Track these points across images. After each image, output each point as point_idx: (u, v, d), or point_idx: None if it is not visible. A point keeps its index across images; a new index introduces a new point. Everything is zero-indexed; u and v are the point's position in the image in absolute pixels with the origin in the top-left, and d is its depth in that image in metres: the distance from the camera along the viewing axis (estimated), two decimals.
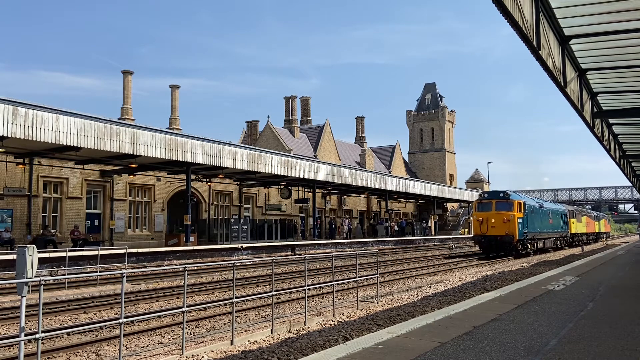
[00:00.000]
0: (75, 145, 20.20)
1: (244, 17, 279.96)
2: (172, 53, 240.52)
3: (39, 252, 7.38)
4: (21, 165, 25.44)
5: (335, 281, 12.35)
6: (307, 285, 11.52)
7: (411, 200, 61.09)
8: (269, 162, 30.24)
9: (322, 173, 35.27)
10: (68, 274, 16.95)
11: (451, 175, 78.12)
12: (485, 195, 32.10)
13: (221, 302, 11.75)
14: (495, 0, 7.56)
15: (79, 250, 21.80)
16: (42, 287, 6.36)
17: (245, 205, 40.60)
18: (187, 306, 8.72)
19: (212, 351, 8.39)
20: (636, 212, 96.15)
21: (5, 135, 18.07)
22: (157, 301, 13.69)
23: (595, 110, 15.95)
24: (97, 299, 13.57)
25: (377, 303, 13.11)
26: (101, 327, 9.60)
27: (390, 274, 20.59)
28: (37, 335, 6.01)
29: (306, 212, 45.36)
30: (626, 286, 12.80)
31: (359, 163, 62.39)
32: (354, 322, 10.36)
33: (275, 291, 10.72)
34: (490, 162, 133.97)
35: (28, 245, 6.29)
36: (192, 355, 8.10)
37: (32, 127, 18.54)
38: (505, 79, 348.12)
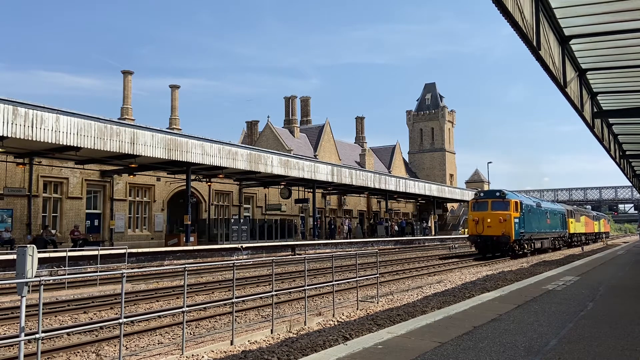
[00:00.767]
0: (75, 145, 20.20)
1: (244, 17, 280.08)
2: (172, 53, 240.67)
3: (39, 252, 7.38)
4: (21, 165, 25.44)
5: (335, 281, 12.35)
6: (307, 285, 11.52)
7: (411, 200, 61.10)
8: (269, 162, 30.24)
9: (322, 173, 35.28)
10: (68, 274, 16.95)
11: (451, 175, 78.14)
12: (481, 194, 31.49)
13: (221, 302, 11.75)
14: (495, 0, 7.56)
15: (79, 250, 21.80)
16: (42, 287, 6.36)
17: (245, 205, 40.61)
18: (187, 306, 8.72)
19: (212, 351, 8.39)
20: (636, 212, 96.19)
21: (5, 135, 18.06)
22: (157, 301, 13.69)
23: (595, 110, 15.96)
24: (97, 299, 13.57)
25: (377, 303, 13.11)
26: (101, 327, 9.60)
27: (390, 274, 20.59)
28: (37, 335, 6.01)
29: (306, 212, 45.36)
30: (626, 286, 12.80)
31: (359, 163, 62.39)
32: (354, 322, 10.36)
33: (275, 291, 10.72)
34: (490, 162, 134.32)
35: (28, 245, 6.29)
36: (192, 355, 8.10)
37: (32, 127, 18.54)
38: (505, 79, 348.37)
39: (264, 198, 42.09)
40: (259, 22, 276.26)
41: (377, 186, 42.48)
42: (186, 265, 9.07)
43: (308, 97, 66.25)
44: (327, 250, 33.90)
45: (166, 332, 9.82)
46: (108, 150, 21.64)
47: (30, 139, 18.67)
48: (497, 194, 29.70)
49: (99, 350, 8.51)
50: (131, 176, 30.07)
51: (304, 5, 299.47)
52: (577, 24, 10.47)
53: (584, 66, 12.94)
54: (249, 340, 9.08)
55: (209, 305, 11.72)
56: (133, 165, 26.55)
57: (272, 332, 9.68)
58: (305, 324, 10.38)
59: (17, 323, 9.37)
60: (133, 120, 38.16)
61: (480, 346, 6.01)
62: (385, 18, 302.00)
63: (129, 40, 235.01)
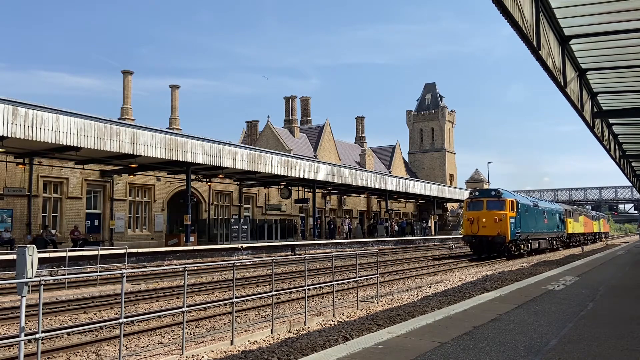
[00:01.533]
0: (75, 145, 20.20)
1: (244, 17, 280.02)
2: (172, 53, 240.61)
3: (39, 252, 7.37)
4: (21, 165, 25.44)
5: (335, 281, 12.35)
6: (307, 285, 11.51)
7: (411, 200, 61.11)
8: (269, 162, 30.25)
9: (322, 173, 35.28)
10: (68, 274, 16.95)
11: (451, 175, 78.13)
12: (476, 193, 30.41)
13: (221, 302, 11.75)
14: (495, 0, 7.56)
15: (79, 250, 21.81)
16: (42, 287, 6.36)
17: (245, 205, 40.60)
18: (187, 306, 8.72)
19: (212, 351, 8.38)
20: (636, 212, 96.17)
21: (5, 135, 18.07)
22: (157, 301, 13.69)
23: (595, 110, 15.96)
24: (97, 299, 13.57)
25: (377, 303, 13.11)
26: (101, 327, 9.60)
27: (390, 274, 20.59)
28: (37, 335, 6.00)
29: (306, 212, 45.36)
30: (626, 286, 12.80)
31: (359, 163, 62.38)
32: (354, 322, 10.36)
33: (275, 291, 10.72)
34: (490, 162, 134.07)
35: (28, 245, 6.29)
36: (192, 355, 8.10)
37: (32, 127, 18.54)
38: (505, 79, 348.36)
39: (264, 198, 42.09)
40: (259, 22, 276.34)
41: (377, 186, 42.48)
42: (186, 265, 9.07)
43: (308, 97, 66.25)
44: (327, 250, 33.90)
45: (166, 332, 9.82)
46: (108, 150, 21.64)
47: (30, 139, 18.68)
48: (493, 193, 29.00)
49: (99, 350, 8.50)
50: (131, 176, 30.07)
51: (304, 5, 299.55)
52: (577, 24, 10.47)
53: (584, 66, 12.93)
54: (249, 340, 9.08)
55: (209, 305, 11.72)
56: (133, 165, 26.56)
57: (272, 332, 9.68)
58: (305, 324, 10.38)
59: (17, 323, 9.37)
60: (133, 120, 38.16)
61: (480, 346, 6.00)
62: (385, 18, 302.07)
63: (129, 40, 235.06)
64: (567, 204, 62.83)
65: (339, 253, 27.99)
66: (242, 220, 32.93)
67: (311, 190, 38.87)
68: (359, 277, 13.45)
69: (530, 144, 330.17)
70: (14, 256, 9.14)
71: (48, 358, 8.01)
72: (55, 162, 26.92)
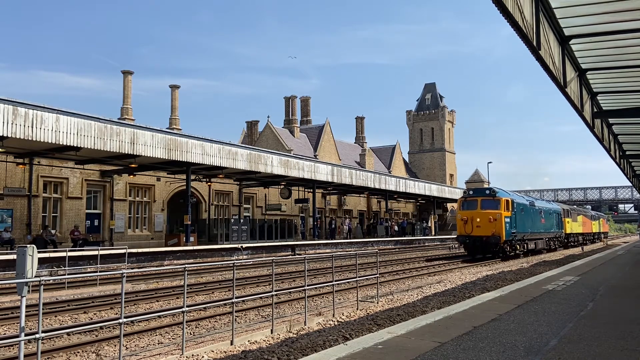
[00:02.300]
0: (75, 145, 20.21)
1: (244, 17, 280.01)
2: (172, 53, 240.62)
3: (39, 252, 7.38)
4: (21, 165, 25.44)
5: (335, 281, 12.35)
6: (307, 285, 11.52)
7: (411, 200, 61.11)
8: (269, 162, 30.25)
9: (322, 173, 35.28)
10: (68, 274, 16.96)
11: (451, 175, 78.14)
12: (471, 192, 29.40)
13: (221, 302, 11.75)
14: (495, 0, 7.56)
15: (79, 250, 21.81)
16: (42, 287, 6.36)
17: (245, 205, 40.61)
18: (187, 306, 8.72)
19: (212, 351, 8.39)
20: (636, 212, 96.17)
21: (5, 135, 18.07)
22: (157, 301, 13.69)
23: (595, 110, 15.96)
24: (97, 299, 13.57)
25: (377, 303, 13.11)
26: (101, 327, 9.60)
27: (390, 274, 20.59)
28: (37, 335, 6.01)
29: (306, 212, 45.37)
30: (626, 286, 12.80)
31: (359, 163, 62.39)
32: (354, 322, 10.36)
33: (275, 291, 10.72)
34: (490, 162, 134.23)
35: (28, 245, 6.29)
36: (192, 355, 8.10)
37: (32, 127, 18.55)
38: (505, 79, 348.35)
39: (264, 198, 42.09)
40: (259, 22, 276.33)
41: (377, 186, 42.49)
42: (186, 265, 9.08)
43: (308, 97, 66.26)
44: (327, 250, 33.91)
45: (166, 332, 9.82)
46: (108, 150, 21.65)
47: (30, 139, 18.68)
48: (487, 191, 28.23)
49: (99, 350, 8.51)
50: (131, 176, 30.07)
51: (304, 5, 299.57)
52: (577, 24, 10.47)
53: (584, 66, 12.94)
54: (249, 340, 9.08)
55: (209, 305, 11.72)
56: (133, 165, 26.56)
57: (272, 332, 9.68)
58: (305, 324, 10.38)
59: (17, 323, 9.37)
60: (133, 120, 38.17)
61: (480, 346, 6.00)
62: (385, 18, 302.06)
63: (129, 40, 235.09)
64: (567, 204, 62.72)
65: (339, 253, 27.99)
66: (242, 220, 32.93)
67: (311, 190, 38.88)
68: (359, 277, 13.46)
69: (530, 144, 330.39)
70: (14, 256, 9.14)
71: (48, 358, 8.01)
72: (55, 162, 26.92)
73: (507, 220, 27.29)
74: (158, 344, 9.05)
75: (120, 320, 7.07)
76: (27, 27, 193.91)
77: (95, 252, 19.45)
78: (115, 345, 8.64)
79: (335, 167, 37.55)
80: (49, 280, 15.21)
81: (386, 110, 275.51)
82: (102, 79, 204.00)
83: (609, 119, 18.34)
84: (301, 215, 45.79)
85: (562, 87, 11.59)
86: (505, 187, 44.00)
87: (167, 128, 35.96)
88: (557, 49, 11.04)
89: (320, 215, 47.97)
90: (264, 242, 32.09)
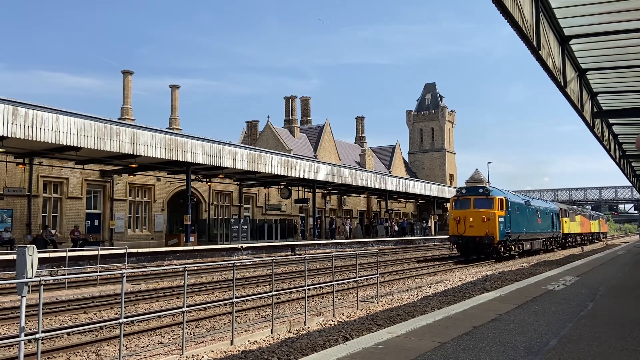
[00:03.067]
0: (75, 145, 20.21)
1: (244, 17, 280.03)
2: (172, 53, 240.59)
3: (39, 252, 7.38)
4: (21, 165, 25.45)
5: (335, 281, 12.35)
6: (307, 285, 11.52)
7: (411, 200, 61.12)
8: (269, 162, 30.25)
9: (322, 173, 35.28)
10: (68, 274, 16.96)
11: (451, 175, 78.15)
12: (463, 191, 28.35)
13: (221, 302, 11.75)
14: (495, 0, 7.57)
15: (79, 250, 21.81)
16: (42, 287, 6.36)
17: (245, 205, 40.61)
18: (187, 306, 8.72)
19: (212, 351, 8.39)
20: (636, 212, 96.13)
21: (5, 135, 18.08)
22: (157, 301, 13.69)
23: (595, 110, 15.96)
24: (97, 299, 13.57)
25: (377, 303, 13.11)
26: (101, 327, 9.60)
27: (390, 274, 20.59)
28: (37, 335, 6.00)
29: (306, 212, 45.37)
30: (626, 286, 12.80)
31: (359, 163, 62.40)
32: (354, 322, 10.36)
33: (275, 291, 10.72)
34: (490, 162, 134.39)
35: (28, 245, 6.29)
36: (192, 355, 8.10)
37: (32, 127, 18.55)
38: (505, 79, 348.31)
39: (264, 198, 42.09)
40: (259, 22, 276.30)
41: (377, 186, 42.49)
42: (186, 265, 9.08)
43: (308, 97, 66.28)
44: (327, 250, 33.91)
45: (166, 332, 9.82)
46: (108, 150, 21.65)
47: (30, 139, 18.68)
48: (481, 190, 27.30)
49: (99, 350, 8.50)
50: (131, 176, 30.07)
51: (304, 5, 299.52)
52: (577, 24, 10.47)
53: (584, 66, 12.94)
54: (249, 340, 9.08)
55: (209, 305, 11.72)
56: (133, 165, 26.56)
57: (272, 332, 9.68)
58: (305, 324, 10.38)
59: (17, 323, 9.37)
60: (133, 120, 38.17)
61: (480, 346, 6.00)
62: (385, 18, 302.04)
63: (129, 40, 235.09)
64: (567, 204, 62.61)
65: (339, 253, 27.99)
66: (242, 220, 32.94)
67: (311, 190, 38.88)
68: (359, 277, 13.46)
69: (530, 144, 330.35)
70: (14, 256, 9.13)
71: (48, 358, 8.01)
72: (55, 162, 26.92)
73: (501, 220, 26.47)
74: (158, 344, 9.05)
75: (120, 320, 7.07)
76: (27, 27, 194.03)
77: (95, 252, 19.44)
78: (115, 345, 8.64)
79: (335, 167, 37.56)
80: (49, 280, 15.21)
81: (386, 110, 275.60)
82: (102, 79, 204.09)
83: (609, 119, 18.34)
84: (301, 215, 45.79)
85: (562, 87, 11.59)
86: (505, 187, 43.90)
87: (167, 128, 35.96)
88: (557, 49, 11.04)
89: (320, 215, 47.97)
90: (264, 242, 32.09)
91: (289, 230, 36.85)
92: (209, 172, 31.05)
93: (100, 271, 17.96)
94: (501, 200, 26.80)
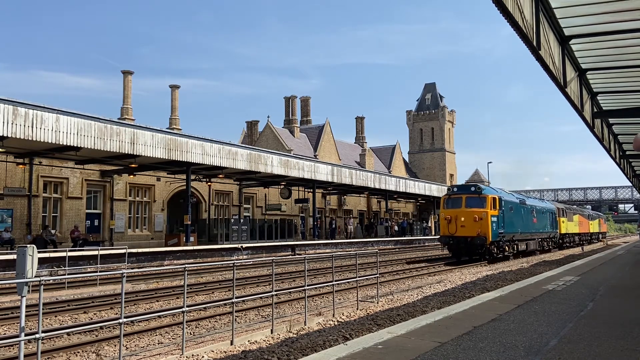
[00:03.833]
0: (75, 145, 20.21)
1: (244, 17, 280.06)
2: (172, 53, 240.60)
3: (39, 252, 7.37)
4: (21, 165, 25.44)
5: (335, 281, 12.35)
6: (307, 285, 11.52)
7: (411, 200, 61.10)
8: (269, 162, 30.25)
9: (322, 173, 35.28)
10: (68, 274, 16.95)
11: (451, 175, 78.13)
12: (455, 189, 27.36)
13: (221, 302, 11.75)
14: (495, 0, 7.57)
15: (79, 250, 21.80)
16: (42, 287, 6.36)
17: (245, 205, 40.60)
18: (187, 306, 8.72)
19: (212, 351, 8.38)
20: (636, 212, 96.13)
21: (5, 135, 18.07)
22: (157, 301, 13.69)
23: (595, 110, 15.96)
24: (97, 299, 13.57)
25: (377, 303, 13.11)
26: (101, 327, 9.60)
27: (390, 274, 20.59)
28: (37, 335, 6.00)
29: (306, 212, 45.36)
30: (626, 286, 12.80)
31: (359, 163, 62.39)
32: (354, 322, 10.36)
33: (275, 291, 10.72)
34: (490, 162, 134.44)
35: (28, 245, 6.28)
36: (192, 355, 8.10)
37: (32, 127, 18.55)
38: (505, 79, 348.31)
39: (264, 198, 42.08)
40: (260, 22, 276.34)
41: (377, 186, 42.48)
42: (186, 265, 9.07)
43: (308, 97, 66.25)
44: (327, 250, 33.90)
45: (166, 332, 9.82)
46: (108, 150, 21.65)
47: (30, 139, 18.68)
48: (472, 188, 26.16)
49: (99, 350, 8.50)
50: (131, 176, 30.07)
51: (304, 5, 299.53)
52: (577, 24, 10.47)
53: (584, 66, 12.94)
54: (249, 340, 9.08)
55: (209, 305, 11.72)
56: (133, 165, 26.55)
57: (272, 332, 9.68)
58: (305, 324, 10.38)
59: (17, 323, 9.37)
60: (133, 120, 38.15)
61: (480, 346, 6.00)
62: (385, 18, 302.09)
63: (129, 40, 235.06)
64: (567, 203, 62.48)
65: (339, 253, 27.97)
66: (242, 220, 32.93)
67: (311, 190, 38.87)
68: (359, 277, 13.45)
69: (530, 144, 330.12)
70: (14, 256, 9.13)
71: (48, 358, 8.01)
72: (55, 162, 26.92)
73: (494, 219, 25.44)
74: (158, 344, 9.05)
75: (120, 320, 7.06)
76: (27, 27, 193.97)
77: (95, 252, 19.44)
78: (115, 345, 8.64)
79: (335, 167, 37.55)
80: (49, 280, 15.21)
81: (386, 110, 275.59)
82: (102, 79, 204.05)
83: (609, 119, 18.34)
84: (301, 215, 45.79)
85: (562, 87, 11.59)
86: (505, 187, 43.68)
87: (167, 128, 35.94)
88: (557, 49, 11.04)
89: (320, 215, 47.96)
90: (264, 242, 32.08)
91: (289, 230, 36.84)
92: (209, 172, 31.04)
93: (100, 271, 17.95)
94: (494, 199, 25.85)
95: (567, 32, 10.89)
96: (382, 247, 40.03)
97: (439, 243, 29.92)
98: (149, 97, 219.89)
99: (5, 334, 9.63)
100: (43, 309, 6.69)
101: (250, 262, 23.93)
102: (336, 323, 10.51)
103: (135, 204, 32.55)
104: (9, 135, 18.15)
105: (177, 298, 14.05)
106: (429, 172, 76.41)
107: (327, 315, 11.52)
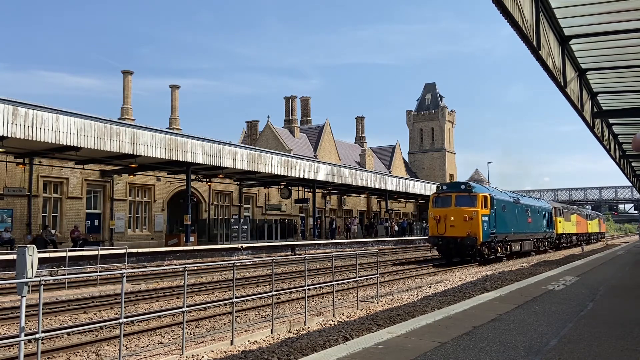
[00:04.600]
0: (75, 145, 20.21)
1: (244, 17, 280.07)
2: (172, 53, 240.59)
3: (39, 252, 7.37)
4: (21, 165, 25.44)
5: (335, 281, 12.35)
6: (307, 285, 11.51)
7: (411, 200, 61.09)
8: (269, 162, 30.25)
9: (322, 173, 35.28)
10: (68, 274, 16.95)
11: (451, 175, 78.16)
12: (444, 187, 26.12)
13: (221, 302, 11.75)
14: (495, 0, 7.57)
15: (79, 250, 21.80)
16: (42, 287, 6.36)
17: (245, 205, 40.60)
18: (187, 306, 8.72)
19: (212, 351, 8.38)
20: (636, 212, 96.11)
21: (5, 135, 18.07)
22: (157, 301, 13.69)
23: (595, 110, 15.96)
24: (97, 299, 13.57)
25: (377, 303, 13.11)
26: (101, 327, 9.60)
27: (390, 274, 20.59)
28: (37, 335, 6.00)
29: (306, 212, 45.36)
30: (626, 286, 12.80)
31: (359, 163, 62.39)
32: (354, 322, 10.36)
33: (275, 291, 10.72)
34: (490, 162, 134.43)
35: (28, 245, 6.29)
36: (192, 355, 8.10)
37: (32, 127, 18.55)
38: (505, 79, 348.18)
39: (264, 198, 42.09)
40: (260, 22, 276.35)
41: (377, 186, 42.48)
42: (186, 265, 9.07)
43: (308, 97, 66.29)
44: (327, 250, 33.90)
45: (166, 332, 9.82)
46: (108, 150, 21.65)
47: (30, 139, 18.68)
48: (463, 186, 24.97)
49: (99, 350, 8.50)
50: (131, 176, 30.06)
51: (304, 5, 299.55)
52: (577, 24, 10.47)
53: (584, 66, 12.94)
54: (249, 340, 9.08)
55: (209, 305, 11.72)
56: (133, 165, 26.55)
57: (272, 332, 9.68)
58: (305, 324, 10.38)
59: (17, 323, 9.37)
60: (133, 120, 38.17)
61: (480, 346, 6.00)
62: (385, 18, 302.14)
63: (129, 40, 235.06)
64: (567, 203, 62.43)
65: (339, 253, 27.96)
66: (242, 220, 32.93)
67: (311, 190, 38.87)
68: (359, 277, 13.46)
69: (530, 144, 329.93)
70: (14, 256, 9.13)
71: (48, 358, 8.01)
72: (55, 162, 26.92)
73: (485, 219, 24.23)
74: (158, 344, 9.05)
75: (120, 320, 7.06)
76: (27, 27, 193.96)
77: (95, 252, 19.44)
78: (115, 345, 8.64)
79: (335, 167, 37.55)
80: (49, 280, 15.21)
81: (386, 110, 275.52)
82: (102, 79, 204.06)
83: (609, 119, 18.34)
84: (301, 215, 45.79)
85: (562, 87, 11.59)
86: (505, 187, 43.64)
87: (167, 128, 35.94)
88: (557, 49, 11.04)
89: (320, 215, 47.96)
90: (264, 242, 32.08)
91: (289, 230, 36.84)
92: (209, 172, 31.04)
93: (100, 271, 17.95)
94: (485, 197, 24.67)
95: (567, 32, 10.89)
96: (382, 247, 40.03)
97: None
98: (149, 97, 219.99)
99: (5, 334, 9.63)
100: (43, 309, 6.69)
101: (250, 262, 23.93)
102: (336, 323, 10.51)
103: (135, 204, 32.55)
104: (9, 135, 18.15)
105: (177, 298, 14.05)
106: (429, 172, 76.44)
107: (327, 315, 11.52)
